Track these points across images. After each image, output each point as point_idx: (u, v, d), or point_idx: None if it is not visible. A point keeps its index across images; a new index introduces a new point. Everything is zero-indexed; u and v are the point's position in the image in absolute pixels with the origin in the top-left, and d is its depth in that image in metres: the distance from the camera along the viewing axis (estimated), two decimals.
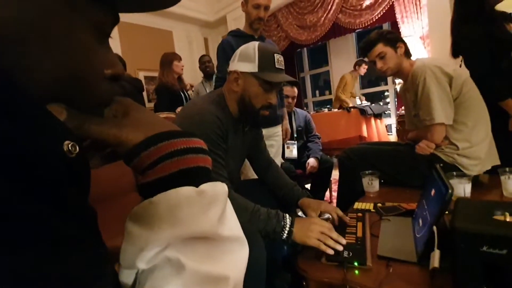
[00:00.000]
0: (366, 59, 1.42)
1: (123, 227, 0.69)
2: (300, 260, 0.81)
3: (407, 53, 1.35)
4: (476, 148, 1.22)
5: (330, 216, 0.98)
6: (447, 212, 0.71)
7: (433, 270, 0.60)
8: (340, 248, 0.78)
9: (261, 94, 0.93)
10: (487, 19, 1.45)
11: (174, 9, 4.44)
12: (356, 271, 0.71)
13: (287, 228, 0.81)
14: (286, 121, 2.01)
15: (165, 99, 2.51)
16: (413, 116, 1.40)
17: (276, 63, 0.92)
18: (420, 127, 1.37)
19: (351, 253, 0.76)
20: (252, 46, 0.93)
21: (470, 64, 1.53)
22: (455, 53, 1.58)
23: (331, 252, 0.77)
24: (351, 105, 3.75)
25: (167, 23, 4.64)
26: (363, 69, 4.11)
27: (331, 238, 0.79)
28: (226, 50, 1.64)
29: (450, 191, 0.66)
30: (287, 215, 0.83)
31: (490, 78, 1.38)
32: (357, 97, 4.11)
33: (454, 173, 1.13)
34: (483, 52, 1.43)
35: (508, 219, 0.54)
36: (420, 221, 0.82)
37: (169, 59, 2.51)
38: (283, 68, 0.96)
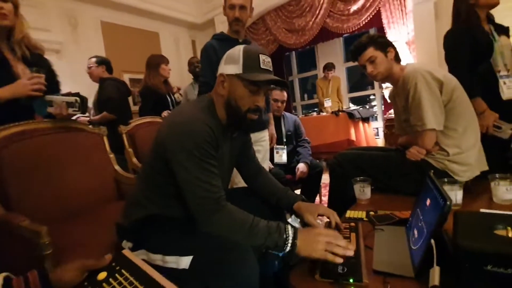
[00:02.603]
0: (357, 63, 1.40)
1: (103, 238, 0.88)
2: (293, 275, 0.76)
3: (397, 58, 1.34)
4: (467, 154, 1.22)
5: (329, 220, 0.94)
6: None
7: None
8: (351, 254, 0.74)
9: (247, 96, 0.88)
10: (469, 21, 1.49)
11: (161, 10, 4.36)
12: None
13: (290, 241, 0.76)
14: (272, 126, 1.97)
15: (150, 103, 2.43)
16: (403, 121, 1.39)
17: (261, 64, 0.88)
18: (410, 132, 1.36)
19: (346, 269, 0.72)
20: (238, 49, 0.90)
21: (448, 61, 1.57)
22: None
23: (340, 261, 0.72)
24: (334, 109, 3.77)
25: (154, 25, 4.54)
26: (330, 75, 4.26)
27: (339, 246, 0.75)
28: (209, 53, 1.60)
29: (448, 202, 0.63)
30: (289, 227, 0.78)
31: (463, 74, 1.39)
32: (326, 100, 4.15)
33: (446, 179, 1.12)
34: (460, 52, 1.47)
35: (510, 235, 0.52)
36: (415, 232, 0.80)
37: (156, 62, 2.44)
38: (271, 69, 0.91)
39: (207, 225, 0.78)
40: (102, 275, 0.54)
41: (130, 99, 2.91)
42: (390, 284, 0.66)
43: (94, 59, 2.49)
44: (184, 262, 0.72)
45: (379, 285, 0.67)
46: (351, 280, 0.69)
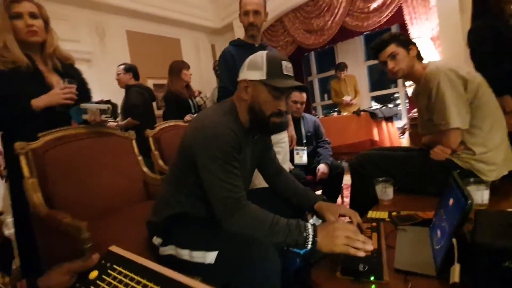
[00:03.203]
0: (377, 61, 1.40)
1: (135, 234, 0.90)
2: (314, 273, 0.79)
3: (419, 56, 1.32)
4: (493, 153, 1.17)
5: (351, 220, 0.96)
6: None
7: (453, 285, 0.57)
8: (371, 248, 0.75)
9: (270, 101, 0.93)
10: (495, 16, 1.43)
11: (181, 17, 4.52)
12: (373, 286, 0.69)
13: (311, 239, 0.78)
14: (291, 128, 1.99)
15: (173, 107, 2.54)
16: (426, 121, 1.37)
17: (284, 70, 0.92)
18: (434, 132, 1.33)
19: (367, 267, 0.74)
20: (260, 55, 0.94)
21: (473, 58, 1.51)
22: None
23: (362, 254, 0.73)
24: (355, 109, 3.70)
25: (175, 31, 4.70)
26: (343, 74, 4.19)
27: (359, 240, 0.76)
28: (227, 60, 1.65)
29: (469, 201, 0.63)
30: (309, 224, 0.81)
31: (489, 71, 1.33)
32: (346, 96, 4.12)
33: (471, 179, 1.09)
34: (485, 47, 1.42)
35: None
36: (438, 232, 0.79)
37: (178, 68, 2.54)
38: (292, 74, 0.95)
39: (230, 223, 0.83)
40: (93, 274, 0.52)
41: (154, 104, 3.05)
42: (411, 282, 0.66)
43: (122, 66, 2.64)
44: (210, 257, 0.77)
45: (400, 283, 0.68)
46: (372, 278, 0.70)
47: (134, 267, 0.51)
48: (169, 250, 0.88)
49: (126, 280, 0.49)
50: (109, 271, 0.52)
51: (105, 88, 3.05)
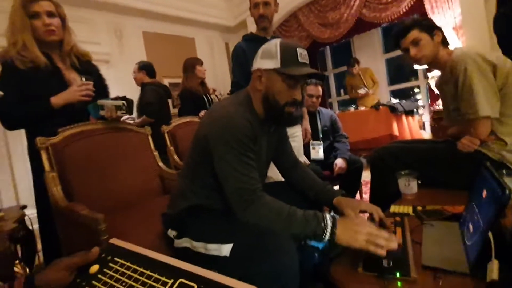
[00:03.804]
0: (395, 53, 1.32)
1: (151, 227, 0.91)
2: (334, 269, 0.75)
3: (444, 42, 1.24)
4: None
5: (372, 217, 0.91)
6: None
7: (491, 284, 0.52)
8: (395, 246, 0.70)
9: (285, 90, 0.89)
10: None
11: (196, 16, 4.55)
12: (399, 283, 0.64)
13: (329, 230, 0.75)
14: (306, 121, 1.95)
15: (189, 104, 2.54)
16: (452, 111, 1.28)
17: (299, 57, 0.88)
18: (461, 122, 1.25)
19: (391, 263, 0.69)
20: (274, 43, 0.90)
21: (501, 44, 1.40)
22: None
23: (383, 253, 0.68)
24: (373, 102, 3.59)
25: (189, 31, 4.75)
26: (355, 69, 4.10)
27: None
28: (239, 55, 1.64)
29: (507, 192, 0.57)
30: (327, 216, 0.77)
31: None
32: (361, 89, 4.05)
33: (504, 171, 1.01)
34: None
35: None
36: (471, 226, 0.73)
37: (191, 64, 2.55)
38: (307, 62, 0.91)
39: (245, 215, 0.80)
40: (94, 268, 0.50)
41: (170, 102, 3.07)
42: (442, 279, 0.61)
43: (136, 65, 2.68)
44: (226, 249, 0.75)
45: (429, 280, 0.63)
46: (397, 275, 0.65)
47: (137, 258, 0.50)
48: (184, 242, 0.87)
49: (129, 272, 0.47)
50: (110, 264, 0.50)
51: (124, 87, 3.11)
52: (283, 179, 1.20)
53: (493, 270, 0.51)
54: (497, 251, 0.56)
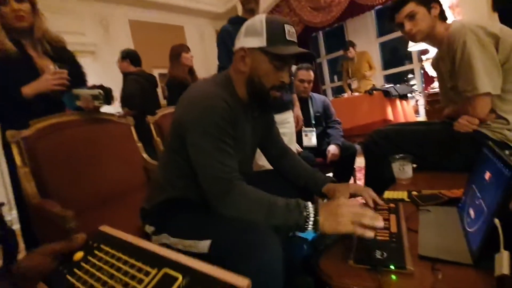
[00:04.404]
0: (390, 36, 1.23)
1: (130, 223, 0.91)
2: (323, 261, 0.68)
3: (442, 16, 1.15)
4: None
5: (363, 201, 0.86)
6: None
7: (500, 278, 0.45)
8: (381, 224, 0.64)
9: (272, 72, 0.81)
10: None
11: (184, 3, 4.38)
12: (393, 276, 0.58)
13: (311, 218, 0.68)
14: (297, 108, 1.87)
15: (176, 93, 2.42)
16: (449, 90, 1.21)
17: (286, 35, 0.80)
18: (458, 101, 1.18)
19: (385, 254, 0.63)
20: (259, 19, 0.81)
21: (502, 21, 1.32)
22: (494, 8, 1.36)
23: (371, 235, 0.62)
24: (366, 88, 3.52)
25: (178, 19, 4.59)
26: (351, 52, 3.95)
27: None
28: (224, 38, 1.56)
29: None
30: (309, 203, 0.71)
31: None
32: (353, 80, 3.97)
33: (506, 151, 0.94)
34: None
35: None
36: (472, 212, 0.67)
37: (177, 52, 2.43)
38: (295, 41, 0.83)
39: (222, 207, 0.73)
40: (78, 255, 0.48)
41: (160, 93, 2.94)
42: (442, 271, 0.55)
43: (120, 54, 2.55)
44: (202, 246, 0.68)
45: (427, 273, 0.57)
46: (392, 267, 0.59)
47: (123, 247, 0.46)
48: (162, 239, 0.80)
49: (113, 260, 0.44)
50: (95, 251, 0.47)
51: (112, 79, 2.99)
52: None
53: (503, 263, 0.44)
54: (507, 240, 0.49)
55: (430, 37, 1.17)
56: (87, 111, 1.36)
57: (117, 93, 2.54)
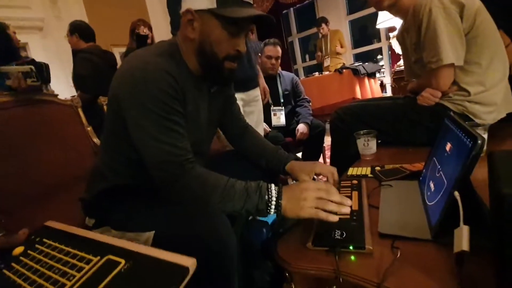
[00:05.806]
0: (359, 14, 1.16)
1: (73, 216, 0.74)
2: (280, 245, 0.63)
3: None
4: (491, 92, 1.02)
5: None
6: None
7: (460, 254, 0.42)
8: (347, 211, 0.59)
9: (225, 39, 0.70)
10: None
11: None
12: (352, 257, 0.54)
13: (274, 202, 0.62)
14: (262, 80, 1.77)
15: None
16: (414, 63, 1.18)
17: None
18: (423, 75, 1.16)
19: (344, 234, 0.59)
20: None
21: None
22: None
23: (335, 219, 0.58)
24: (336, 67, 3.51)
25: None
26: (323, 29, 3.90)
27: (333, 202, 0.60)
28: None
29: (479, 141, 0.47)
30: (273, 186, 0.64)
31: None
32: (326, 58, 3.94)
33: (466, 123, 0.94)
34: None
35: None
36: (432, 185, 0.64)
37: (132, 27, 2.22)
38: (252, 2, 0.72)
39: (173, 192, 0.65)
40: (18, 250, 0.49)
41: None
42: (401, 249, 0.52)
43: (67, 28, 2.25)
44: (144, 238, 0.59)
45: (387, 251, 0.53)
46: (351, 247, 0.55)
47: (68, 239, 0.48)
48: (105, 232, 0.70)
49: (54, 253, 0.45)
50: (36, 245, 0.49)
51: (64, 59, 2.68)
52: None
53: (462, 238, 0.41)
54: (467, 214, 0.46)
55: (395, 7, 1.12)
56: (20, 92, 1.17)
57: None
